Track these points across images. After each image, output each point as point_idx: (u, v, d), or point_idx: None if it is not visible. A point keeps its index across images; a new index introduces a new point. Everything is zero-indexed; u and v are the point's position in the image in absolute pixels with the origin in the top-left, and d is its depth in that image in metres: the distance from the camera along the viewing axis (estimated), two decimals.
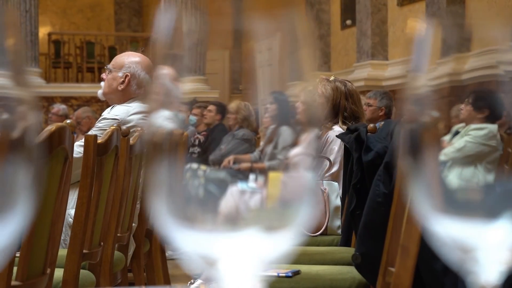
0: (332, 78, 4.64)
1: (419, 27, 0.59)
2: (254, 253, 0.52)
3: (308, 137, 0.83)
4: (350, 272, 2.93)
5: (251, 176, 0.62)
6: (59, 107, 10.64)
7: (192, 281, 5.82)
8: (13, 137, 0.53)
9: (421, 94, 0.62)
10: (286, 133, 0.79)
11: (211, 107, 8.30)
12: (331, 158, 4.44)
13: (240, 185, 0.62)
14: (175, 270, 6.41)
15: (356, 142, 3.25)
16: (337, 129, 4.45)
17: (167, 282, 4.56)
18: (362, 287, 2.91)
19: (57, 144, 2.24)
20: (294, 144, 0.68)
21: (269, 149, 0.69)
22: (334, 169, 4.43)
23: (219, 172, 0.68)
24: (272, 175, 0.63)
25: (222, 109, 8.07)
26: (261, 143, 0.75)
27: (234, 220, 0.57)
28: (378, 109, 7.18)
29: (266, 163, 0.65)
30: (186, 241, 0.51)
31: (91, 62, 16.57)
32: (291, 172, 0.63)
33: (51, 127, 2.22)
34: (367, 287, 2.92)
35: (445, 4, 9.73)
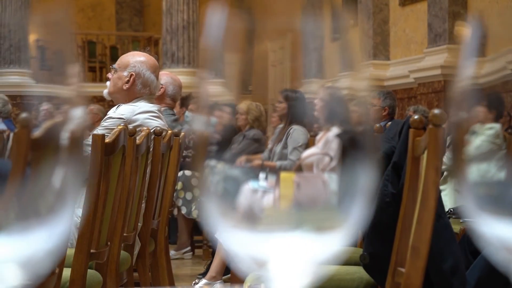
0: (329, 84, 4.65)
1: (466, 30, 0.59)
2: (305, 254, 0.51)
3: (325, 136, 0.82)
4: (358, 272, 2.93)
5: (261, 175, 0.62)
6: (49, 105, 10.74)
7: (196, 281, 5.81)
8: (57, 137, 0.52)
9: (459, 93, 0.62)
10: (296, 133, 0.78)
11: None
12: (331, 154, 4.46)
13: (252, 184, 0.61)
14: (178, 270, 6.40)
15: None
16: (335, 130, 4.45)
17: (171, 281, 4.56)
18: (370, 287, 2.90)
19: None
20: (306, 143, 0.67)
21: (278, 148, 0.69)
22: (333, 164, 4.44)
23: (252, 171, 0.67)
24: (283, 175, 0.62)
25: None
26: (269, 142, 0.75)
27: (252, 219, 0.56)
28: (382, 109, 7.17)
29: (277, 163, 0.64)
30: (236, 241, 0.50)
31: (93, 62, 16.55)
32: (305, 173, 0.62)
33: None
34: (375, 287, 2.91)
35: (447, 4, 9.73)
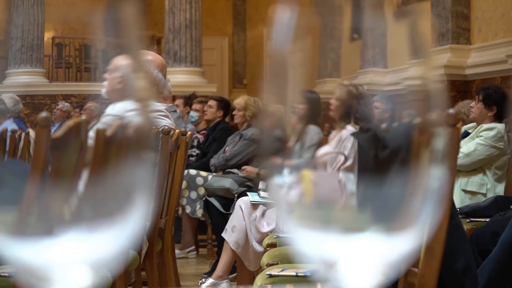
0: (346, 82, 4.68)
1: None
2: (374, 255, 0.51)
3: (338, 135, 0.82)
4: None
5: (286, 171, 0.62)
6: (63, 104, 10.94)
7: (202, 280, 5.81)
8: (126, 136, 0.51)
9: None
10: (310, 132, 0.78)
11: (211, 102, 7.98)
12: (346, 153, 4.48)
13: (278, 179, 0.61)
14: (182, 269, 6.40)
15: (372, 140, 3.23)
16: (350, 128, 4.46)
17: (177, 281, 4.56)
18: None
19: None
20: (319, 142, 0.67)
21: (296, 147, 0.69)
22: (348, 163, 4.46)
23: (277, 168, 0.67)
24: (304, 172, 0.62)
25: (224, 105, 7.83)
26: (290, 142, 0.75)
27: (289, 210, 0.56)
28: (385, 111, 7.17)
29: (293, 161, 0.65)
30: (306, 242, 0.50)
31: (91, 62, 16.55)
32: (320, 170, 0.62)
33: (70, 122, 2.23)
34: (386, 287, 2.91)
35: (450, 4, 9.72)
